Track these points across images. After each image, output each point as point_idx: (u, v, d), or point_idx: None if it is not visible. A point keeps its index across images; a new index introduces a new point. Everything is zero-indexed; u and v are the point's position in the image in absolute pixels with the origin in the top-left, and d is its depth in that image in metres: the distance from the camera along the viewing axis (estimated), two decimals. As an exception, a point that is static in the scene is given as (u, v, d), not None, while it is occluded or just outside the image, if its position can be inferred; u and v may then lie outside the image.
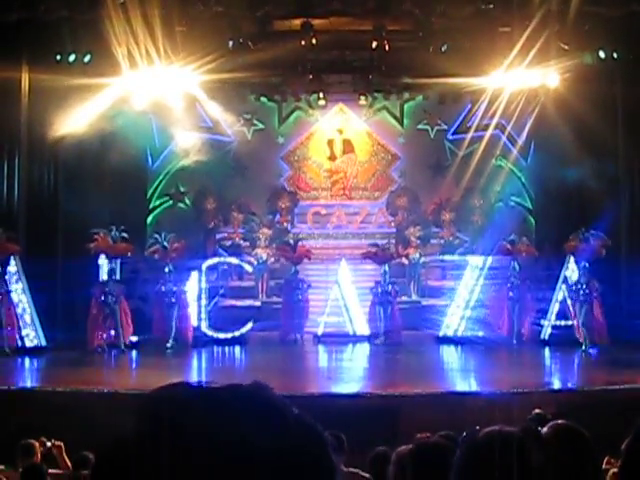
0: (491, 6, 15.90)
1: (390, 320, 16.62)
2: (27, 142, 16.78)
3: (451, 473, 2.58)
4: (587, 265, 15.80)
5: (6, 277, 15.87)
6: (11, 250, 15.68)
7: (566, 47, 16.54)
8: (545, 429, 3.15)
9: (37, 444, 7.53)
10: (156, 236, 16.99)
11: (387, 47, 17.12)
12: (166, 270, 16.42)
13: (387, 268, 16.99)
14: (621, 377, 12.42)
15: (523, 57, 16.31)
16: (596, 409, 10.06)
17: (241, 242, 20.27)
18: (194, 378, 14.54)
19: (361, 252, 17.99)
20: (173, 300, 16.32)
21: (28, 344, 15.64)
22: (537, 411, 7.27)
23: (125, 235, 16.68)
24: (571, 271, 16.79)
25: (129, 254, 16.73)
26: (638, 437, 1.53)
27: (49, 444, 7.63)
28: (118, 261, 16.52)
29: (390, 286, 16.85)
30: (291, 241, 18.47)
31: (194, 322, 16.87)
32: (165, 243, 16.67)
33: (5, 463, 7.41)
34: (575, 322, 15.77)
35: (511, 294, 16.50)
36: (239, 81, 18.03)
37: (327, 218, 21.06)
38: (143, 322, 16.39)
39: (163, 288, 16.35)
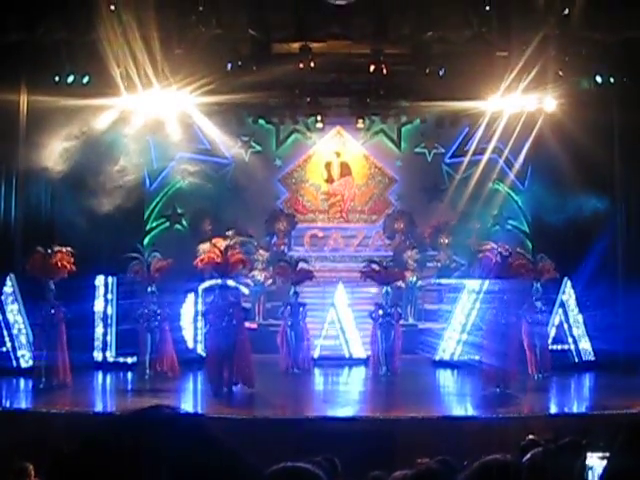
0: (488, 31, 15.96)
1: (391, 344, 16.20)
2: (25, 162, 16.75)
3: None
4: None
5: (1, 298, 15.82)
6: (66, 270, 15.01)
7: (563, 73, 16.62)
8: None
9: (31, 466, 7.48)
10: (136, 255, 16.27)
11: (385, 71, 17.15)
12: (149, 290, 15.94)
13: (389, 289, 16.64)
14: (619, 402, 12.39)
15: (520, 81, 16.38)
16: (594, 434, 10.01)
17: (238, 264, 20.21)
18: (189, 400, 14.55)
19: (361, 270, 17.21)
20: (155, 323, 15.83)
21: (23, 365, 15.60)
22: (531, 437, 7.26)
23: (249, 239, 16.56)
24: (568, 295, 16.79)
25: (242, 269, 16.10)
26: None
27: None
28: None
29: (393, 308, 16.43)
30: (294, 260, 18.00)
31: (188, 344, 16.86)
32: (149, 260, 16.16)
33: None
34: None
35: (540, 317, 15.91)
36: (237, 103, 18.05)
37: (324, 241, 21.04)
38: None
39: (146, 310, 15.81)
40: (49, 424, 11.27)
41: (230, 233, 18.26)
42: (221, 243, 14.98)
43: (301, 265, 17.31)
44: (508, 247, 15.14)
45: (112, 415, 11.21)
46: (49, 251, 14.87)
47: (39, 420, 11.59)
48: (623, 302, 16.56)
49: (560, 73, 16.65)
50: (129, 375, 16.06)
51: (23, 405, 13.60)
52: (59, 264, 14.79)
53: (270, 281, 19.44)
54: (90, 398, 14.27)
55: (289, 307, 16.64)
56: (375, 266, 17.05)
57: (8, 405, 13.39)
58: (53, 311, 14.63)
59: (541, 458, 3.82)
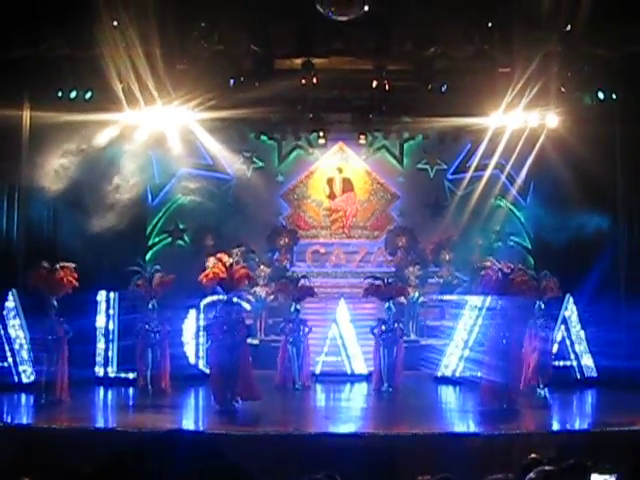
0: (491, 47, 16.00)
1: (393, 361, 16.13)
2: (27, 178, 16.77)
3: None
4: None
5: (3, 313, 15.78)
6: (70, 286, 14.83)
7: (565, 88, 16.65)
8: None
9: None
10: (138, 268, 16.17)
11: (387, 87, 17.19)
12: (150, 306, 15.88)
13: (392, 305, 16.55)
14: (621, 419, 12.34)
15: (523, 98, 16.40)
16: (595, 451, 9.97)
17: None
18: (191, 416, 14.51)
19: (364, 287, 17.15)
20: (155, 339, 15.81)
21: (25, 380, 15.57)
22: (533, 456, 7.20)
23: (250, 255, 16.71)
24: (570, 311, 16.74)
25: (246, 284, 15.91)
26: None
27: None
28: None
29: (396, 324, 16.38)
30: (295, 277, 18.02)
31: (190, 360, 16.84)
32: (152, 273, 16.08)
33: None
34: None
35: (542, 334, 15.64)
36: (239, 119, 18.04)
37: (326, 257, 21.01)
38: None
39: (146, 326, 15.78)
40: (50, 440, 11.24)
41: (239, 250, 18.20)
42: (226, 259, 14.91)
43: (302, 282, 17.26)
44: (510, 264, 15.06)
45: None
46: (57, 266, 14.78)
47: (40, 436, 11.55)
48: (626, 318, 16.53)
49: (562, 89, 16.68)
50: (130, 391, 16.02)
51: (24, 420, 13.55)
52: (63, 280, 14.73)
53: (272, 297, 19.38)
54: (91, 414, 14.22)
55: (290, 323, 16.60)
56: (377, 282, 17.00)
57: (9, 420, 13.35)
58: (55, 327, 14.59)
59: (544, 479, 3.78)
